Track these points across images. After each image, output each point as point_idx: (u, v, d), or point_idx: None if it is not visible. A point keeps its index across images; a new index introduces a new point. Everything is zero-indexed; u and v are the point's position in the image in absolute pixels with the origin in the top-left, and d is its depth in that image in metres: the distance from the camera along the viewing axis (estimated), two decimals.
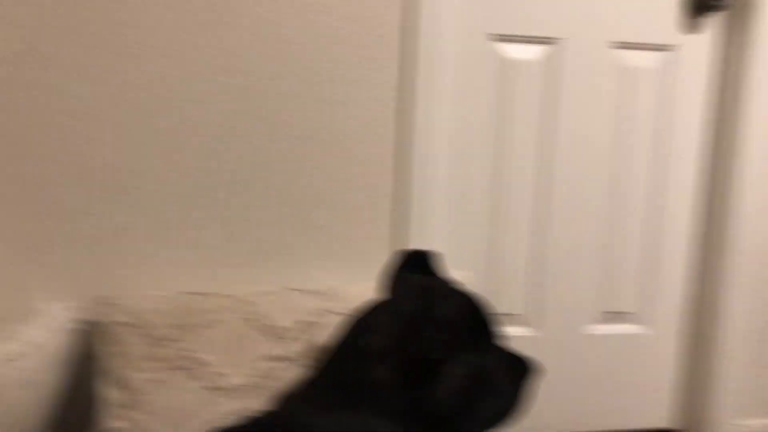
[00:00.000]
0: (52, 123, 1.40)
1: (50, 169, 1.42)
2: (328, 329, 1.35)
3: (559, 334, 1.83)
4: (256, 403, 1.27)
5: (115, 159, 1.44)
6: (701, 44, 1.78)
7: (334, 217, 1.57)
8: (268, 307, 1.36)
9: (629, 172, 1.80)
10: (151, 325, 1.29)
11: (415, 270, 1.16)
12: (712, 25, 1.78)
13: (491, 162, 1.72)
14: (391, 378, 0.99)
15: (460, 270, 1.57)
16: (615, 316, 1.86)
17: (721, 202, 1.79)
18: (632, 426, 1.93)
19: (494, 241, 1.76)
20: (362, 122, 1.54)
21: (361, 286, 1.46)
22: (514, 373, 1.10)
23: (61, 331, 1.35)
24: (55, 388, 1.29)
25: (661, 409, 1.94)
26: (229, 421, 1.23)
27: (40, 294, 1.44)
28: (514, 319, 1.80)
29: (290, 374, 1.31)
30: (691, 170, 1.84)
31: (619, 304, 1.86)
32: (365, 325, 1.07)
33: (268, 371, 1.30)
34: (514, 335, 1.78)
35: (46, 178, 1.42)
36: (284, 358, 1.32)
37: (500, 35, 1.68)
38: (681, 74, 1.78)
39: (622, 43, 1.74)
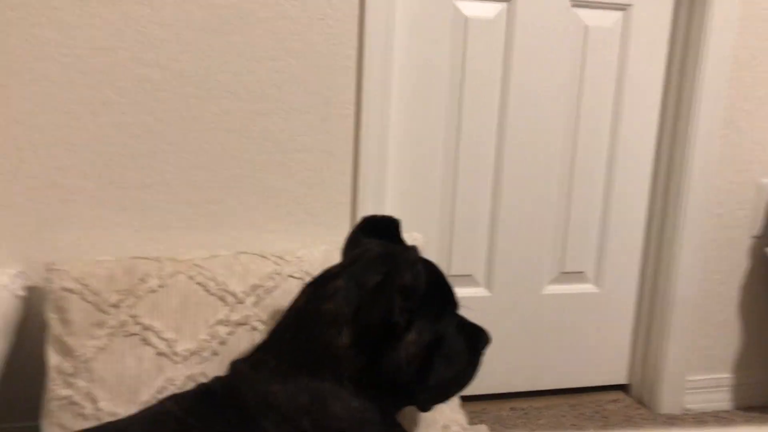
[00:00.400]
0: (2, 95, 1.34)
1: (1, 139, 1.36)
2: (282, 294, 1.33)
3: (515, 295, 1.84)
4: (208, 370, 1.25)
5: (58, 121, 1.38)
6: (659, 3, 1.77)
7: (290, 179, 1.53)
8: (220, 272, 1.33)
9: (587, 131, 1.81)
10: (98, 291, 1.25)
11: (376, 235, 1.15)
12: None
13: (446, 122, 1.70)
14: (349, 344, 0.98)
15: (414, 232, 1.56)
16: (571, 276, 1.88)
17: (677, 161, 1.81)
18: (589, 383, 1.97)
19: (448, 202, 1.75)
20: (321, 83, 1.50)
21: (317, 250, 1.44)
22: (469, 342, 1.11)
23: (8, 298, 1.31)
24: (3, 356, 1.25)
25: (616, 366, 1.98)
26: (180, 388, 1.21)
27: None
28: (469, 280, 1.80)
29: (244, 340, 1.29)
30: (649, 130, 1.85)
31: (575, 264, 1.88)
32: (324, 291, 1.05)
33: (221, 337, 1.28)
34: (471, 296, 1.78)
35: None
36: (237, 323, 1.30)
37: None
38: (638, 33, 1.78)
39: (580, 1, 1.72)
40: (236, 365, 1.04)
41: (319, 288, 1.06)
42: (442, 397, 1.11)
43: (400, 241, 1.16)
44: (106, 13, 1.36)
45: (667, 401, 1.89)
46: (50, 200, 1.41)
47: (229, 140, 1.48)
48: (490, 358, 1.83)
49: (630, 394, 1.98)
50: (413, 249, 0.98)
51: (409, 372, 1.00)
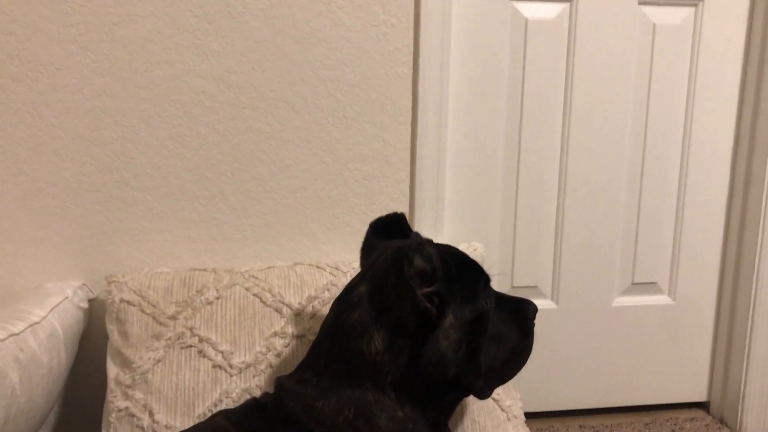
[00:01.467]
0: (56, 100, 1.37)
1: (57, 149, 1.38)
2: None
3: (583, 307, 1.76)
4: (263, 382, 1.23)
5: (117, 134, 1.40)
6: None
7: (346, 189, 1.51)
8: (277, 283, 1.32)
9: (657, 135, 1.72)
10: (156, 303, 1.26)
11: (386, 237, 1.11)
12: None
13: (507, 128, 1.65)
14: (383, 348, 0.95)
15: (475, 241, 1.51)
16: (643, 287, 1.79)
17: (756, 165, 1.70)
18: (664, 401, 1.86)
19: (510, 211, 1.69)
20: (376, 91, 1.48)
21: None
22: (515, 314, 1.06)
23: (71, 310, 1.33)
24: (64, 368, 1.27)
25: (694, 382, 1.86)
26: (236, 401, 1.20)
27: (49, 273, 1.43)
28: (534, 292, 1.73)
29: (299, 352, 1.26)
30: (725, 132, 1.75)
31: (647, 274, 1.78)
32: (348, 301, 1.02)
33: (277, 349, 1.26)
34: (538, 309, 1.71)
35: (53, 158, 1.39)
36: (294, 335, 1.28)
37: None
38: (710, 30, 1.68)
39: None
40: (281, 381, 1.02)
41: (343, 300, 1.03)
42: (500, 380, 1.05)
43: (410, 235, 1.12)
44: (162, 26, 1.38)
45: (752, 420, 1.77)
46: (111, 213, 1.43)
47: (284, 151, 1.47)
48: (558, 373, 1.77)
49: (710, 412, 1.87)
50: (416, 234, 0.94)
51: (456, 361, 0.95)
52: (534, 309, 1.08)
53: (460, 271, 0.98)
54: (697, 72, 1.69)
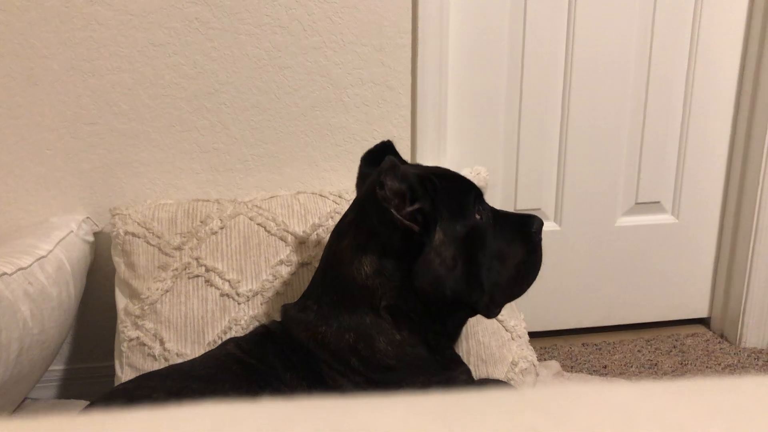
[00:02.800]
0: (48, 30, 1.33)
1: (52, 81, 1.36)
2: None
3: (587, 228, 1.77)
4: (271, 310, 1.25)
5: (113, 65, 1.37)
6: None
7: (346, 115, 1.49)
8: (280, 212, 1.32)
9: (662, 50, 1.67)
10: (161, 234, 1.26)
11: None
12: None
13: (509, 48, 1.61)
14: (373, 271, 0.96)
15: (478, 165, 1.50)
16: (646, 206, 1.79)
17: (763, 80, 1.66)
18: (666, 318, 1.89)
19: (513, 134, 1.67)
20: (374, 12, 1.44)
21: None
22: (518, 230, 1.03)
23: (77, 243, 1.34)
24: (73, 300, 1.29)
25: (695, 299, 1.89)
26: (245, 328, 1.22)
27: (53, 208, 1.43)
28: (538, 214, 1.72)
29: (306, 279, 1.28)
30: (732, 47, 1.70)
31: (651, 193, 1.78)
32: (340, 229, 1.04)
33: (283, 277, 1.27)
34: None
35: (48, 90, 1.36)
36: (299, 263, 1.29)
37: None
38: None
39: None
40: (286, 309, 1.04)
41: (336, 230, 1.05)
42: (508, 297, 1.04)
43: (401, 160, 1.12)
44: None
45: (751, 334, 1.80)
46: (110, 145, 1.41)
47: (283, 77, 1.44)
48: (561, 293, 1.79)
49: (710, 327, 1.90)
50: (389, 158, 0.92)
51: (453, 278, 0.95)
52: (539, 223, 1.05)
53: (446, 188, 0.97)
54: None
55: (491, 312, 1.02)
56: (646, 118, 1.71)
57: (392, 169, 0.91)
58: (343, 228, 1.03)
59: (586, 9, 1.60)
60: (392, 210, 0.92)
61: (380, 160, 1.07)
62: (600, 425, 0.22)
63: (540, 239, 1.05)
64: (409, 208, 0.93)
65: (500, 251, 1.00)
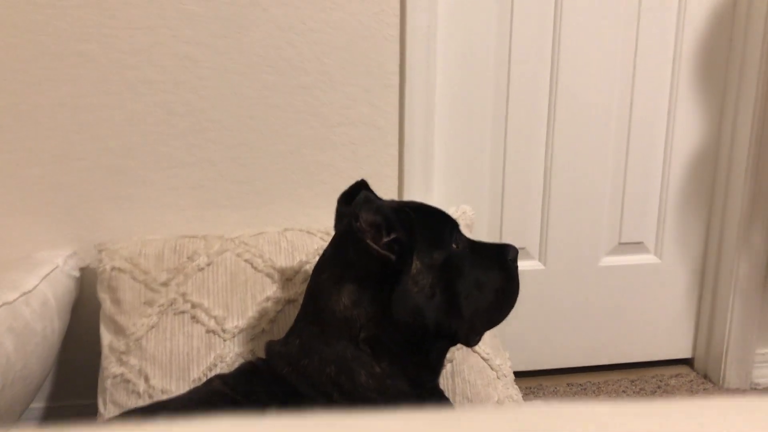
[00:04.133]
0: (38, 67, 1.35)
1: (40, 117, 1.37)
2: None
3: (571, 268, 1.78)
4: (257, 347, 1.24)
5: (102, 101, 1.39)
6: None
7: (334, 154, 1.51)
8: (267, 248, 1.33)
9: (646, 94, 1.72)
10: (147, 270, 1.26)
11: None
12: None
13: (495, 90, 1.65)
14: (351, 303, 0.97)
15: (464, 204, 1.52)
16: (629, 246, 1.81)
17: (741, 132, 1.71)
18: (650, 358, 1.90)
19: (499, 173, 1.70)
20: (363, 54, 1.47)
21: None
22: (494, 259, 1.06)
23: (62, 279, 1.33)
24: (57, 336, 1.28)
25: (679, 340, 1.90)
26: (230, 365, 1.21)
27: (39, 242, 1.42)
28: (523, 253, 1.74)
29: (292, 317, 1.27)
30: (713, 98, 1.75)
31: (634, 234, 1.80)
32: (320, 265, 1.06)
33: (270, 314, 1.27)
34: (524, 269, 1.73)
35: (36, 126, 1.37)
36: (286, 300, 1.29)
37: None
38: None
39: None
40: (270, 345, 1.05)
41: (317, 265, 1.07)
42: (487, 324, 1.05)
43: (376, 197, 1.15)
44: None
45: (734, 375, 1.81)
46: (98, 181, 1.42)
47: (272, 116, 1.46)
48: (546, 332, 1.80)
49: (694, 368, 1.91)
50: (363, 193, 0.96)
51: (432, 307, 0.96)
52: (514, 251, 1.07)
53: (421, 218, 1.00)
54: (684, 35, 1.69)
55: (471, 340, 1.03)
56: (629, 160, 1.75)
57: (366, 202, 0.94)
58: (323, 263, 1.05)
59: (569, 54, 1.65)
60: (368, 241, 0.94)
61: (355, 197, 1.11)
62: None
63: (516, 267, 1.07)
64: (386, 239, 0.95)
65: (478, 279, 1.02)
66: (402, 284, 0.95)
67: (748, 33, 1.66)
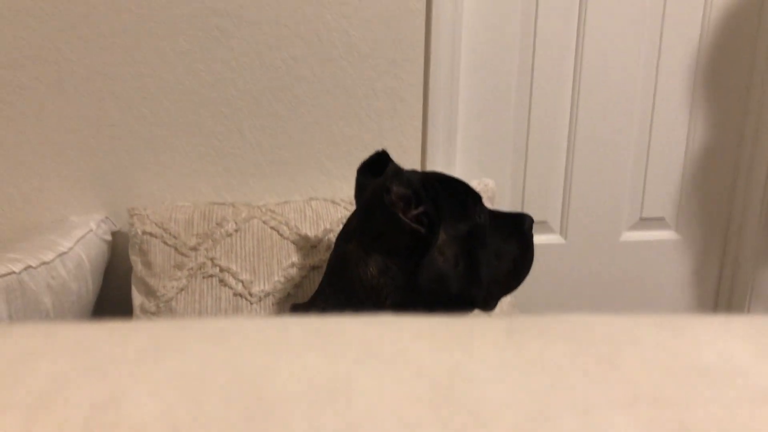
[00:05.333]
0: (75, 36, 1.39)
1: (77, 85, 1.41)
2: None
3: (592, 242, 1.80)
4: (283, 311, 1.28)
5: (135, 71, 1.43)
6: None
7: (359, 125, 1.54)
8: (294, 216, 1.36)
9: (670, 70, 1.72)
10: (177, 235, 1.31)
11: (376, 175, 1.15)
12: None
13: (519, 63, 1.65)
14: (378, 272, 1.00)
15: (486, 177, 1.54)
16: (651, 222, 1.82)
17: (766, 108, 1.70)
18: None
19: (522, 147, 1.71)
20: (389, 27, 1.49)
21: None
22: (511, 228, 1.09)
23: (95, 242, 1.38)
24: (92, 296, 1.33)
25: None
26: None
27: (74, 207, 1.47)
28: (544, 227, 1.77)
29: (317, 282, 1.31)
30: (740, 68, 1.74)
31: (655, 209, 1.81)
32: (345, 234, 1.08)
33: (295, 279, 1.31)
34: (545, 243, 1.76)
35: (73, 94, 1.41)
36: (311, 266, 1.32)
37: None
38: None
39: None
40: (295, 308, 1.08)
41: (341, 234, 1.09)
42: (504, 291, 1.09)
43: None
44: None
45: None
46: (131, 147, 1.46)
47: (299, 87, 1.49)
48: (564, 306, 1.82)
49: None
50: (393, 164, 0.97)
51: (456, 276, 0.99)
52: (530, 220, 1.11)
53: (447, 191, 1.02)
54: (712, 10, 1.68)
55: (489, 306, 1.07)
56: (652, 135, 1.75)
57: (397, 174, 0.96)
58: (348, 233, 1.07)
59: (594, 25, 1.65)
60: (399, 213, 0.96)
61: (375, 169, 1.11)
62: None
63: (531, 236, 1.11)
64: (415, 212, 0.97)
65: (498, 249, 1.06)
66: (429, 255, 0.98)
67: None
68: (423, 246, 0.98)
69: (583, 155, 1.73)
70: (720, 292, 1.89)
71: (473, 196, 1.06)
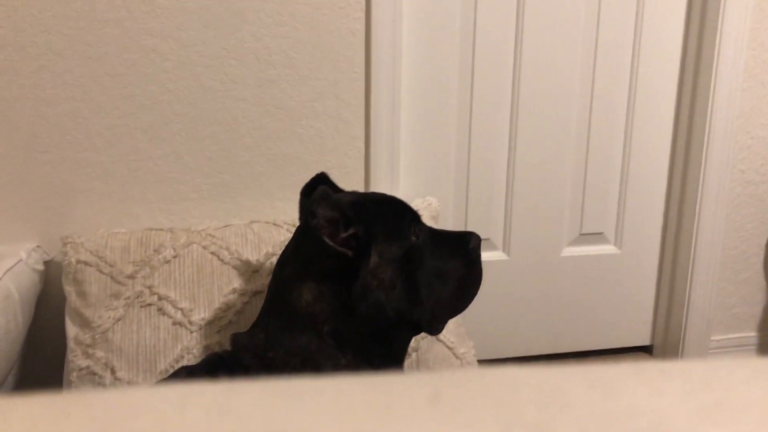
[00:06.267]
0: (11, 70, 1.34)
1: (3, 109, 1.36)
2: None
3: (534, 258, 1.82)
4: (224, 339, 1.25)
5: (67, 94, 1.38)
6: None
7: (301, 146, 1.52)
8: (234, 241, 1.34)
9: (603, 88, 1.76)
10: (113, 263, 1.26)
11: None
12: None
13: (459, 83, 1.67)
14: (312, 299, 0.99)
15: (429, 196, 1.54)
16: (590, 237, 1.86)
17: (698, 116, 1.76)
18: (611, 345, 1.95)
19: (463, 165, 1.73)
20: (329, 48, 1.48)
21: None
22: (456, 247, 1.07)
23: (26, 272, 1.32)
24: (21, 330, 1.27)
25: (639, 328, 1.96)
26: (197, 357, 1.22)
27: (3, 236, 1.41)
28: (487, 244, 1.78)
29: (259, 308, 1.29)
30: (668, 84, 1.80)
31: (595, 225, 1.85)
32: (282, 258, 1.07)
33: (236, 306, 1.28)
34: (489, 260, 1.77)
35: (2, 120, 1.36)
36: (253, 291, 1.30)
37: None
38: None
39: None
40: (236, 337, 1.06)
41: (280, 258, 1.08)
42: (450, 312, 1.07)
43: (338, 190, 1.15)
44: None
45: None
46: (64, 174, 1.41)
47: (238, 109, 1.47)
48: (509, 321, 1.84)
49: (653, 355, 1.97)
50: (321, 188, 0.96)
51: (392, 299, 0.98)
52: (476, 239, 1.08)
53: (380, 212, 1.01)
54: (643, 24, 1.73)
55: (434, 329, 1.05)
56: (589, 153, 1.79)
57: (323, 198, 0.95)
58: (285, 257, 1.06)
59: (531, 48, 1.68)
60: (325, 237, 0.95)
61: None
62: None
63: (478, 255, 1.08)
64: (344, 234, 0.96)
65: (439, 269, 1.04)
66: (361, 279, 0.97)
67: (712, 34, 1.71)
68: (355, 269, 0.97)
69: (523, 173, 1.76)
70: (658, 305, 1.94)
71: (410, 216, 1.04)
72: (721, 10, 1.66)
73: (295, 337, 0.99)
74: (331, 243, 0.95)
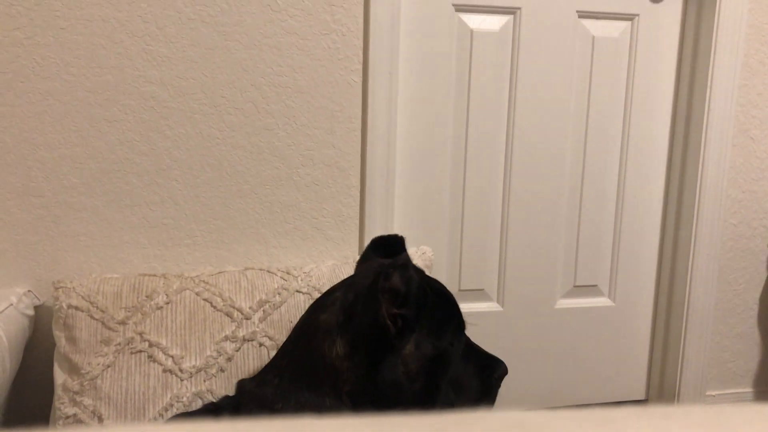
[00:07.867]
0: (1, 103, 1.35)
1: (9, 157, 1.36)
2: (289, 309, 1.32)
3: (528, 309, 1.82)
4: (215, 386, 1.23)
5: (65, 139, 1.39)
6: (666, 12, 1.76)
7: (297, 194, 1.53)
8: (227, 288, 1.33)
9: (596, 143, 1.79)
10: (105, 309, 1.25)
11: (385, 254, 1.14)
12: None
13: (454, 136, 1.69)
14: (344, 354, 0.97)
15: (424, 245, 1.55)
16: (584, 289, 1.85)
17: (689, 171, 1.79)
18: (605, 399, 1.93)
19: (458, 216, 1.74)
20: (327, 98, 1.50)
21: (325, 265, 1.43)
22: (483, 370, 1.08)
23: (16, 317, 1.31)
24: (8, 375, 1.25)
25: (633, 381, 1.94)
26: (187, 405, 1.20)
27: None
28: (481, 294, 1.78)
29: (251, 356, 1.28)
30: (660, 140, 1.83)
31: (589, 277, 1.85)
32: (322, 303, 1.04)
33: (228, 353, 1.27)
34: (482, 311, 1.76)
35: (4, 165, 1.36)
36: (244, 338, 1.29)
37: (464, 5, 1.64)
38: (646, 43, 1.77)
39: (586, 12, 1.72)
40: (243, 384, 1.03)
41: (318, 302, 1.06)
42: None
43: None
44: (111, 31, 1.37)
45: None
46: (58, 218, 1.41)
47: (235, 156, 1.48)
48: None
49: None
50: (405, 255, 0.96)
51: (411, 390, 0.97)
52: (503, 370, 1.09)
53: (435, 304, 1.00)
54: (634, 82, 1.77)
55: None
56: (582, 206, 1.80)
57: (404, 267, 0.93)
58: (327, 302, 1.03)
59: (525, 109, 1.71)
60: (382, 304, 0.93)
61: (390, 251, 1.10)
62: None
63: (498, 385, 1.09)
64: (395, 311, 0.95)
65: (460, 383, 1.04)
66: (392, 358, 0.96)
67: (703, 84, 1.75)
68: (389, 347, 0.96)
69: (518, 225, 1.77)
70: (653, 358, 1.92)
71: (457, 321, 1.04)
72: (710, 67, 1.70)
73: (311, 389, 0.96)
74: (383, 312, 0.94)
